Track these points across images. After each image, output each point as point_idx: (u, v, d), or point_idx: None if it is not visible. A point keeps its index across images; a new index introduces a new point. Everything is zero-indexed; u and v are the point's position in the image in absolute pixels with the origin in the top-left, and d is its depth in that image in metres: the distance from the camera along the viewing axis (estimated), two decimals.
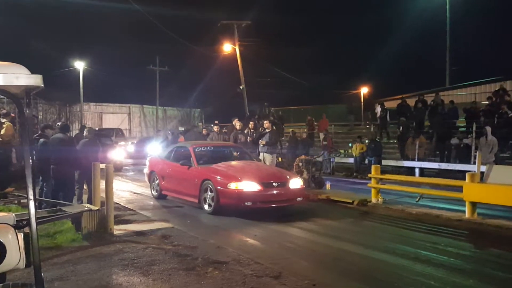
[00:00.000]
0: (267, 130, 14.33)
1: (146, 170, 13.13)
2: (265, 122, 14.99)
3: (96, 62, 40.26)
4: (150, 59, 42.41)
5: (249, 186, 9.57)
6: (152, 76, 42.58)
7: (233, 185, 9.57)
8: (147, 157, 14.28)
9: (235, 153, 12.43)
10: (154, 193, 12.32)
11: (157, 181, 12.16)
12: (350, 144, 20.47)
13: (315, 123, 25.40)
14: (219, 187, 9.72)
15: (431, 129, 19.07)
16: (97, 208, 7.84)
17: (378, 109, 22.59)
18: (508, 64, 36.61)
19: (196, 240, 7.56)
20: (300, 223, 9.18)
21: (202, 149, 11.75)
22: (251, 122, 16.14)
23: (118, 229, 8.13)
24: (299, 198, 10.17)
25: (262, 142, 14.08)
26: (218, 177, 9.94)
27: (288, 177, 10.31)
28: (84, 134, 11.02)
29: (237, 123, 15.56)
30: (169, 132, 18.91)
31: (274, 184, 9.86)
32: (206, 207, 10.06)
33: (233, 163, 11.16)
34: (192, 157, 11.04)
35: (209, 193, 9.97)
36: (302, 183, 10.47)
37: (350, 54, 54.18)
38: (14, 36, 42.63)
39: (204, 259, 6.46)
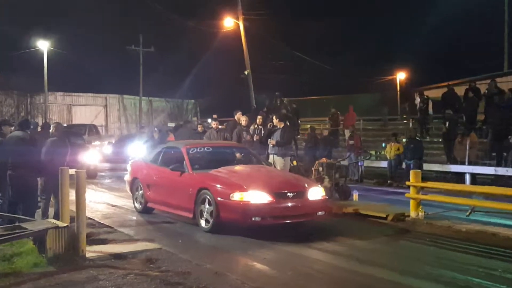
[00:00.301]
0: (278, 127, 14.33)
1: (127, 177, 13.18)
2: (274, 117, 14.97)
3: (65, 41, 40.31)
4: (132, 37, 42.59)
5: (257, 197, 9.56)
6: (135, 59, 42.72)
7: (237, 196, 9.57)
8: (128, 161, 14.31)
9: (239, 155, 12.43)
10: (138, 205, 12.36)
11: (141, 190, 12.20)
12: (383, 145, 20.44)
13: (341, 118, 25.36)
14: (219, 199, 9.73)
15: (485, 124, 18.97)
16: (66, 224, 7.86)
17: (418, 99, 22.53)
18: None
19: (189, 265, 7.56)
20: (320, 244, 9.16)
21: (198, 150, 11.77)
22: (259, 117, 16.14)
23: (91, 251, 8.14)
24: (320, 212, 10.14)
25: (271, 141, 14.08)
26: (218, 185, 9.95)
27: (306, 185, 10.31)
28: (51, 131, 11.06)
29: (241, 118, 15.56)
30: (155, 129, 18.96)
31: (288, 194, 9.85)
32: (202, 223, 10.07)
33: (237, 168, 11.17)
34: (185, 161, 11.06)
35: (207, 205, 9.98)
36: (324, 193, 10.46)
37: (384, 30, 54.04)
38: None
39: None
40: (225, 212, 9.66)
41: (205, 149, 11.99)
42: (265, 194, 9.62)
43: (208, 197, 9.95)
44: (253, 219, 9.45)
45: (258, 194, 9.60)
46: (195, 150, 11.69)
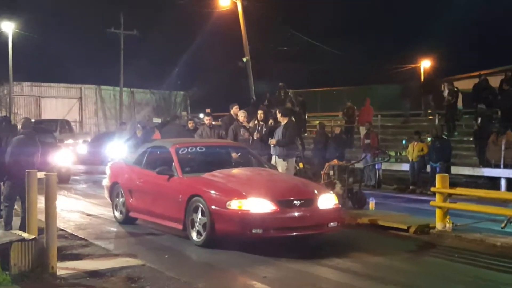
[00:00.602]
0: (282, 123, 14.29)
1: (106, 182, 13.16)
2: (277, 111, 14.96)
3: (33, 23, 40.45)
4: (111, 19, 42.55)
5: (259, 205, 9.53)
6: (115, 43, 42.76)
7: (234, 204, 9.53)
8: (107, 163, 14.31)
9: (235, 155, 12.42)
10: (118, 215, 12.34)
11: (122, 197, 12.16)
12: (403, 142, 20.40)
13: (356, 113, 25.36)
14: (214, 207, 9.68)
15: None
16: (33, 236, 7.84)
17: (446, 91, 22.49)
18: None
19: (177, 284, 7.55)
20: (331, 260, 9.14)
21: (189, 150, 11.75)
22: (259, 111, 16.13)
23: (63, 268, 8.13)
24: (332, 224, 10.09)
25: (272, 141, 14.07)
26: (213, 191, 9.92)
27: (315, 192, 10.27)
28: (18, 128, 11.04)
29: (238, 113, 15.54)
30: (138, 125, 18.95)
31: (295, 202, 9.81)
32: (194, 236, 10.04)
33: (235, 171, 11.15)
34: (174, 163, 11.01)
35: (199, 215, 9.93)
36: (336, 201, 10.44)
37: (406, 11, 54.07)
38: None
39: None
40: (221, 223, 9.61)
41: (198, 149, 11.96)
42: (268, 202, 9.58)
43: (201, 205, 9.90)
44: (254, 231, 9.40)
45: (260, 202, 9.56)
46: (186, 150, 11.67)
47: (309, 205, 9.89)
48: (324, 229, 10.10)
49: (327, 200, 10.17)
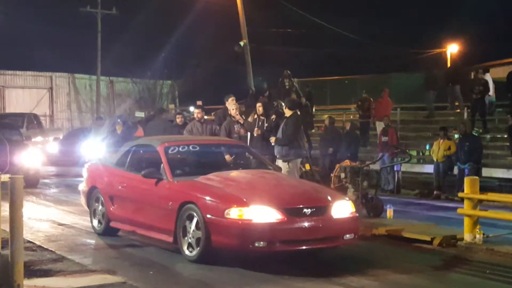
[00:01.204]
0: (286, 116, 14.30)
1: (82, 186, 13.11)
2: (283, 103, 14.97)
3: None
4: None
5: (262, 214, 9.48)
6: (91, 25, 42.75)
7: (234, 213, 9.46)
8: (83, 164, 14.32)
9: (230, 158, 12.42)
10: (97, 224, 12.24)
11: (102, 205, 12.07)
12: (427, 147, 20.41)
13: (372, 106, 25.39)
14: (209, 216, 9.62)
15: None
16: None
17: (476, 81, 22.52)
18: None
19: None
20: (344, 277, 9.15)
21: (181, 149, 11.71)
22: (258, 104, 16.12)
23: (31, 286, 8.13)
24: (348, 235, 10.01)
25: (272, 139, 14.08)
26: (208, 198, 9.87)
27: (329, 198, 10.22)
28: None
29: (229, 106, 15.52)
30: (118, 120, 18.98)
31: (305, 210, 9.74)
32: (186, 249, 9.98)
33: (234, 174, 11.11)
34: (163, 164, 10.97)
35: (193, 226, 9.86)
36: (353, 209, 10.38)
37: None
38: None
39: None
40: (218, 235, 9.54)
41: (190, 147, 11.88)
42: (273, 210, 9.52)
43: (195, 213, 9.83)
44: (256, 244, 9.34)
45: (263, 210, 9.50)
46: (177, 149, 11.63)
47: (322, 214, 9.82)
48: (339, 241, 10.04)
49: (342, 208, 10.09)
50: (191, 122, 16.26)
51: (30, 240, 11.16)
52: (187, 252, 9.95)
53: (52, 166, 25.14)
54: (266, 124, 15.16)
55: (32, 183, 19.29)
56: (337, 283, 8.88)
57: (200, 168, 11.11)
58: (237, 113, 15.27)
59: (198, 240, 9.75)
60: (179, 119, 17.57)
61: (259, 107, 15.79)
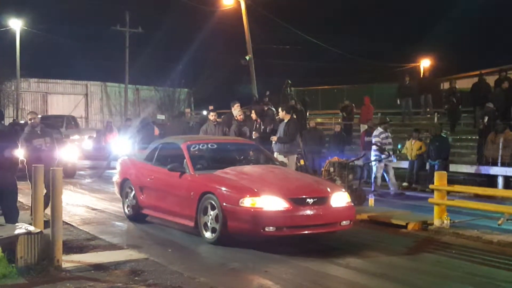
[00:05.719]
0: (284, 120, 14.31)
1: (116, 178, 13.05)
2: (280, 108, 14.98)
3: (40, 20, 40.50)
4: (117, 17, 42.51)
5: (272, 203, 9.45)
6: (120, 41, 42.71)
7: (247, 202, 9.43)
8: (110, 158, 14.31)
9: (248, 153, 12.36)
10: (128, 211, 12.21)
11: (133, 193, 12.06)
12: (399, 146, 20.37)
13: (356, 111, 25.39)
14: (225, 204, 9.58)
15: None
16: (39, 230, 7.87)
17: (450, 92, 22.60)
18: None
19: (180, 278, 7.57)
20: (340, 257, 9.16)
21: (201, 147, 11.62)
22: (253, 111, 16.17)
23: (68, 261, 8.16)
24: (344, 222, 9.97)
25: (273, 138, 14.05)
26: (225, 189, 9.82)
27: (329, 189, 10.19)
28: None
29: (234, 112, 15.40)
30: (129, 120, 18.76)
31: (308, 200, 9.72)
32: (206, 233, 9.94)
33: (247, 168, 11.02)
34: (186, 159, 10.91)
35: (212, 213, 9.84)
36: (349, 199, 10.35)
37: (405, 10, 53.96)
38: None
39: None
40: (233, 221, 9.51)
41: (209, 145, 11.79)
42: (281, 199, 9.49)
43: (213, 202, 9.78)
44: (266, 229, 9.30)
45: (273, 199, 9.48)
46: (197, 147, 11.56)
47: (322, 203, 9.81)
48: (337, 227, 10.02)
49: (340, 198, 10.08)
50: (205, 123, 16.24)
51: (68, 222, 11.22)
52: (206, 235, 9.91)
53: (87, 160, 25.13)
54: (263, 127, 15.17)
55: (69, 174, 19.35)
56: (335, 263, 8.82)
57: (217, 163, 11.06)
58: (241, 117, 15.27)
59: (216, 225, 9.71)
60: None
61: (252, 114, 15.81)
